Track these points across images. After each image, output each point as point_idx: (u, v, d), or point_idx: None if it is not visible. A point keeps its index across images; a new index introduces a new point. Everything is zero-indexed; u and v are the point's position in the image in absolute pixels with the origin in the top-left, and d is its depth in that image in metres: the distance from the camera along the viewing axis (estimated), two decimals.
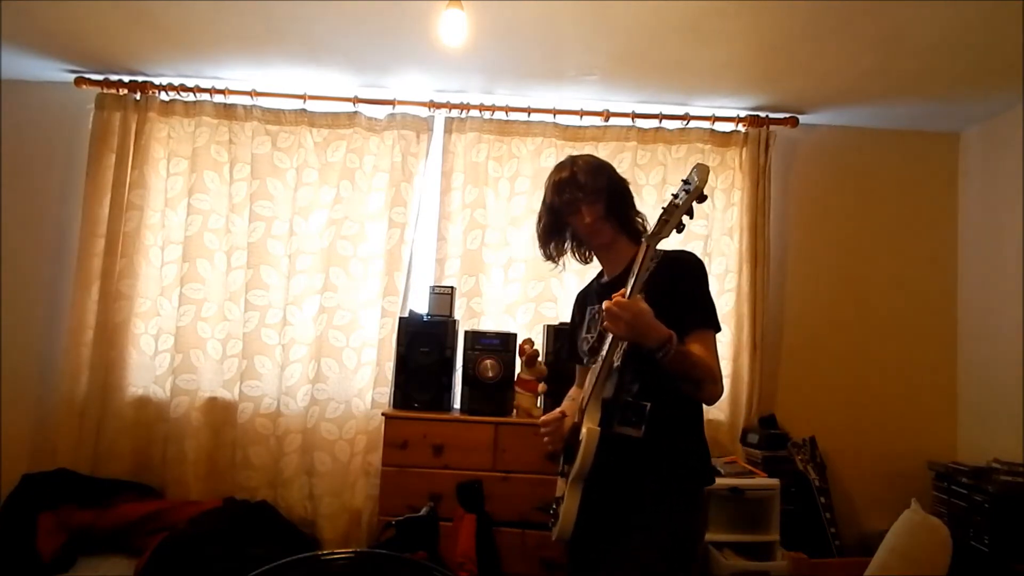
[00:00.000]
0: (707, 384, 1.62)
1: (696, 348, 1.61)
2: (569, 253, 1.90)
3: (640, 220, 1.84)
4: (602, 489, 1.65)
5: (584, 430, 1.61)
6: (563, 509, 1.66)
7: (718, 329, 1.70)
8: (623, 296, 1.50)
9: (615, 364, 1.61)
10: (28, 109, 3.35)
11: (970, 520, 2.78)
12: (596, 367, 1.63)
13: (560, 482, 1.79)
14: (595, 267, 1.93)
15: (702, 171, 1.45)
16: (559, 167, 1.83)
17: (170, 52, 3.03)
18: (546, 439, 1.80)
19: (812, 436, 3.18)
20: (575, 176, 1.76)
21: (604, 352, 1.60)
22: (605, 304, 1.51)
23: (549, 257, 1.89)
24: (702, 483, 1.72)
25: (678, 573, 1.63)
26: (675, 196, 1.48)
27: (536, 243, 1.92)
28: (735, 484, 2.79)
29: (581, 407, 1.69)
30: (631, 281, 1.51)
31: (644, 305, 1.51)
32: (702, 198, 1.47)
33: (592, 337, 1.80)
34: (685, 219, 1.48)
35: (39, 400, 3.23)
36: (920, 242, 3.44)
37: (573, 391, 1.97)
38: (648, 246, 1.51)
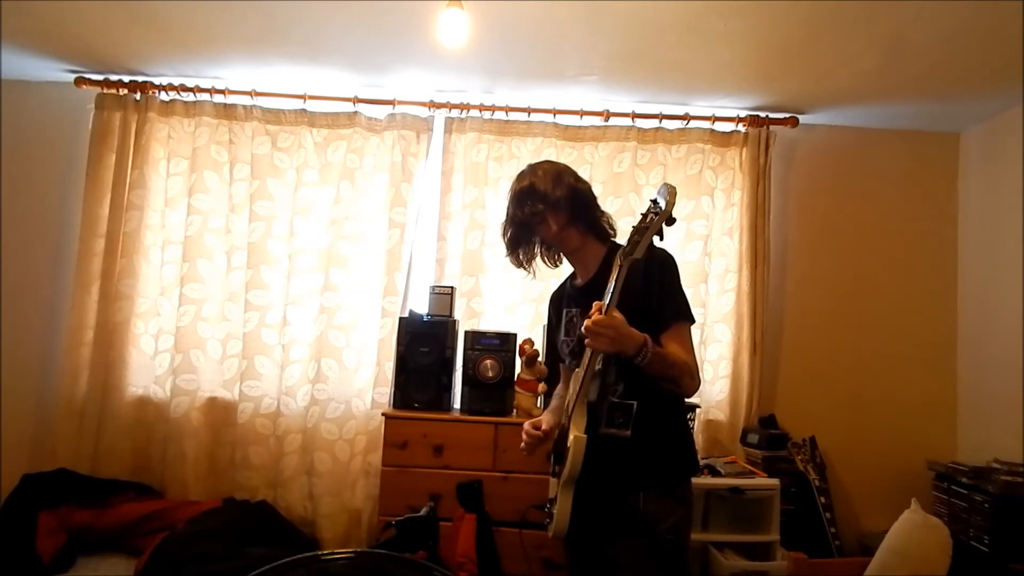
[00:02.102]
0: (684, 379, 1.66)
1: (672, 344, 1.65)
2: (538, 257, 1.91)
3: (606, 219, 1.86)
4: (594, 489, 1.67)
5: (571, 437, 1.63)
6: (557, 509, 1.69)
7: (692, 320, 1.73)
8: (600, 311, 1.52)
9: (596, 367, 1.63)
10: (28, 109, 3.35)
11: (970, 520, 2.78)
12: (580, 372, 1.65)
13: (553, 482, 1.81)
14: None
15: (671, 193, 1.45)
16: (519, 177, 1.84)
17: (170, 52, 3.03)
18: (522, 446, 1.84)
19: (812, 436, 3.18)
20: (534, 186, 1.78)
21: (585, 359, 1.62)
22: (585, 324, 1.53)
23: (519, 264, 1.90)
24: (690, 475, 1.77)
25: (674, 563, 1.67)
26: (644, 216, 1.49)
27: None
28: (735, 484, 2.79)
29: (568, 412, 1.71)
30: (607, 298, 1.53)
31: (619, 315, 1.53)
32: (671, 221, 1.47)
33: (572, 340, 1.83)
34: (658, 233, 1.49)
35: (39, 400, 3.23)
36: (920, 242, 3.44)
37: (560, 389, 1.99)
38: (621, 264, 1.51)
